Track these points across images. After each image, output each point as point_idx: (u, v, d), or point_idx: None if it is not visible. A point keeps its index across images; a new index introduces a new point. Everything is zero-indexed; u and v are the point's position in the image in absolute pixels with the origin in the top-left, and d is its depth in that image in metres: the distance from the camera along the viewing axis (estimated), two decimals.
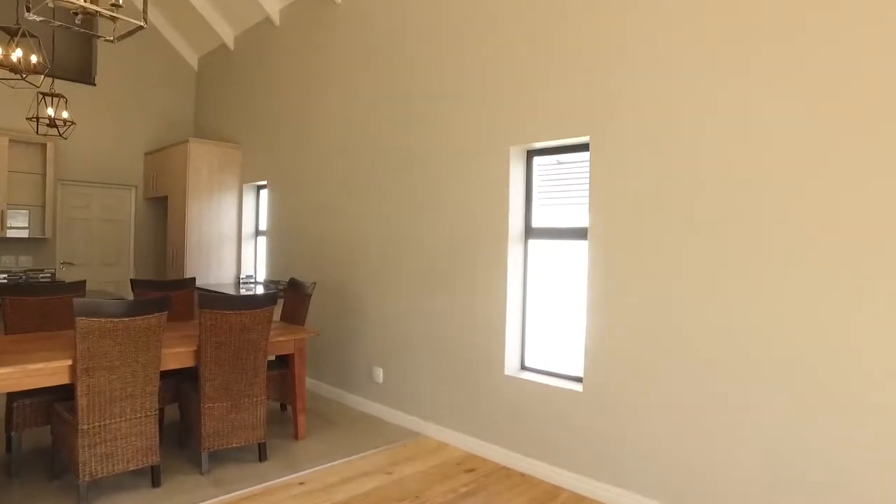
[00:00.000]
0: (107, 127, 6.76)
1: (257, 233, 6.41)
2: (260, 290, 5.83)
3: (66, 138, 5.49)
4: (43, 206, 6.19)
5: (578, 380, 3.31)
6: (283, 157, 5.65)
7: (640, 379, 2.93)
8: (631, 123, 2.99)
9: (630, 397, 2.96)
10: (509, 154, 3.60)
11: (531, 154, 3.66)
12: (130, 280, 4.06)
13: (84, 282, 3.89)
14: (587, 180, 3.29)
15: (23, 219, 6.14)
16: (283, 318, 4.38)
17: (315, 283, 4.19)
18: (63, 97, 5.36)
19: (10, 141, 5.94)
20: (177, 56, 7.30)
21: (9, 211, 6.08)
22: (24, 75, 4.28)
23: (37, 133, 5.27)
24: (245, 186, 6.30)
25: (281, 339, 3.70)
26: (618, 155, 3.05)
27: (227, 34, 6.57)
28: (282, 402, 4.36)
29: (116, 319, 2.86)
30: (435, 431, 4.00)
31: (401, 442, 3.92)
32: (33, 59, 4.36)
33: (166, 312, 3.05)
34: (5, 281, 6.04)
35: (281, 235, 5.68)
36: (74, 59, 6.69)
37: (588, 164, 3.22)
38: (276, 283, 5.68)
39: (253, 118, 6.17)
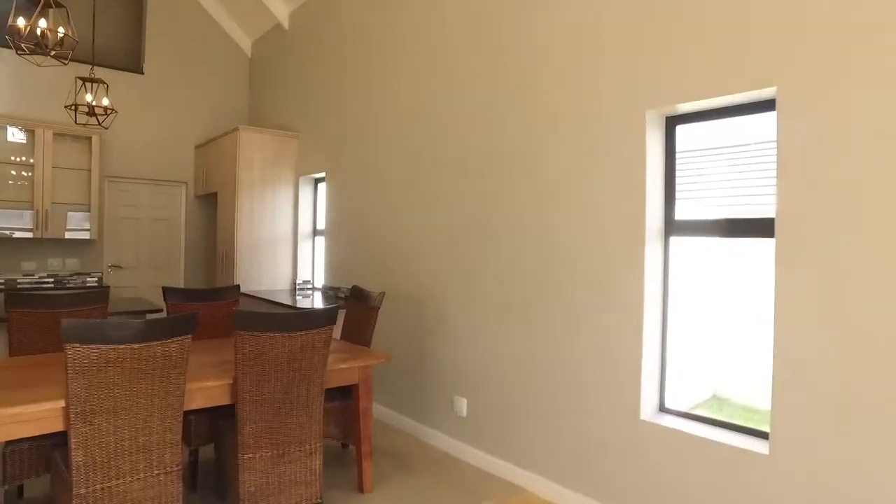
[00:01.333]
0: (155, 118, 6.22)
1: (315, 232, 5.68)
2: (318, 298, 5.08)
3: (106, 128, 4.92)
4: (89, 205, 5.68)
5: (760, 435, 2.30)
6: (344, 145, 4.87)
7: (871, 444, 1.90)
8: (853, 65, 1.97)
9: (859, 473, 1.94)
10: (644, 122, 2.64)
11: (672, 122, 2.69)
12: (162, 289, 3.37)
13: (107, 289, 3.20)
14: (764, 152, 2.30)
15: (82, 220, 5.65)
16: (344, 335, 3.57)
17: (384, 293, 3.35)
18: (103, 82, 4.78)
19: (55, 134, 5.45)
20: (229, 41, 6.71)
21: (67, 212, 5.60)
22: (51, 51, 3.70)
23: (75, 122, 4.70)
24: (301, 179, 5.58)
25: (342, 366, 2.87)
26: (826, 113, 2.03)
27: (282, 12, 5.89)
28: (343, 441, 3.55)
29: (122, 347, 2.10)
30: (536, 485, 3.08)
31: (493, 500, 3.02)
32: (60, 31, 3.78)
33: (190, 336, 2.28)
34: (55, 285, 5.56)
35: (341, 235, 4.91)
36: (121, 47, 6.18)
37: (775, 128, 2.21)
38: (336, 289, 4.91)
39: (310, 103, 5.44)
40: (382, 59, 4.43)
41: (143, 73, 6.13)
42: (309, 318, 2.52)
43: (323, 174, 5.23)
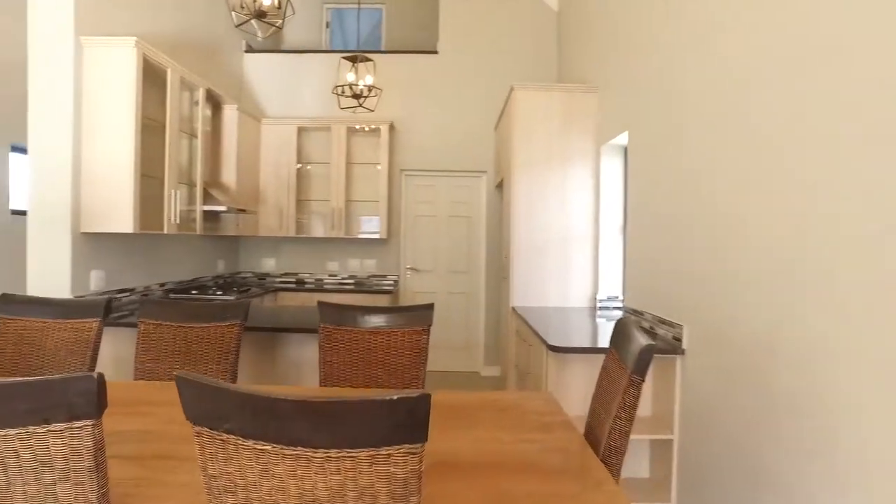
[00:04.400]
0: (451, 100, 5.45)
1: (626, 226, 3.91)
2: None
3: (371, 110, 4.29)
4: (385, 201, 5.26)
5: None
6: (660, 91, 2.99)
7: None
8: None
9: None
10: None
11: None
12: (318, 303, 2.28)
13: (246, 304, 2.27)
14: None
15: (374, 218, 5.35)
16: (589, 431, 1.78)
17: (651, 348, 1.46)
18: (368, 60, 4.16)
19: (348, 129, 5.19)
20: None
21: (359, 211, 5.39)
22: (273, 20, 3.18)
23: (340, 108, 4.21)
24: (604, 149, 3.89)
25: None
26: None
27: None
28: None
29: None
30: None
31: None
32: None
33: (92, 421, 1.01)
34: (355, 287, 5.32)
35: (647, 230, 3.05)
36: (415, 28, 5.67)
37: None
38: (640, 315, 3.08)
39: (617, 45, 3.69)
40: None
41: (436, 53, 5.44)
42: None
43: (626, 138, 3.44)
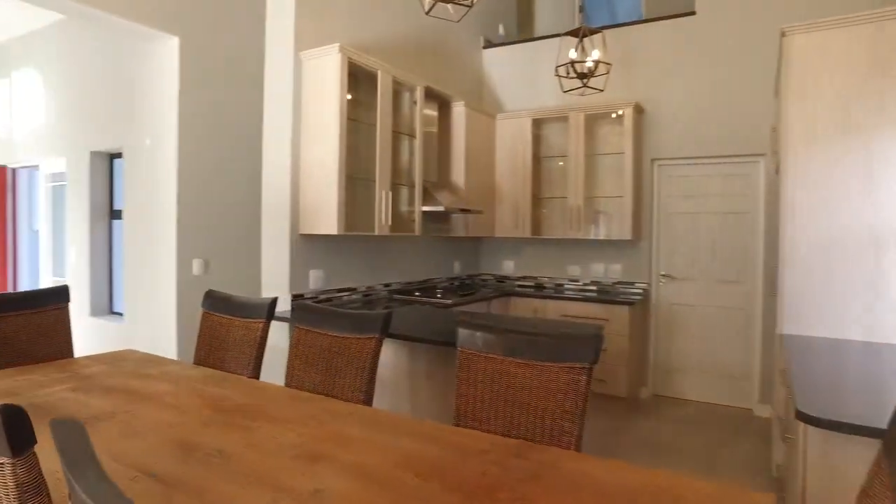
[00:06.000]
0: (715, 69, 4.36)
1: None
2: None
3: (600, 90, 3.68)
4: (630, 196, 4.52)
5: None
6: None
7: None
8: None
9: None
10: None
11: None
12: (458, 321, 1.82)
13: (385, 315, 1.99)
14: None
15: (617, 216, 4.68)
16: None
17: None
18: (595, 32, 3.59)
19: (587, 117, 4.60)
20: None
21: (601, 208, 4.80)
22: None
23: (562, 91, 3.71)
24: None
25: None
26: None
27: None
28: None
29: None
30: None
31: None
32: None
33: None
34: (598, 295, 4.75)
35: None
36: None
37: None
38: None
39: None
40: None
41: (693, 14, 4.42)
42: None
43: None
